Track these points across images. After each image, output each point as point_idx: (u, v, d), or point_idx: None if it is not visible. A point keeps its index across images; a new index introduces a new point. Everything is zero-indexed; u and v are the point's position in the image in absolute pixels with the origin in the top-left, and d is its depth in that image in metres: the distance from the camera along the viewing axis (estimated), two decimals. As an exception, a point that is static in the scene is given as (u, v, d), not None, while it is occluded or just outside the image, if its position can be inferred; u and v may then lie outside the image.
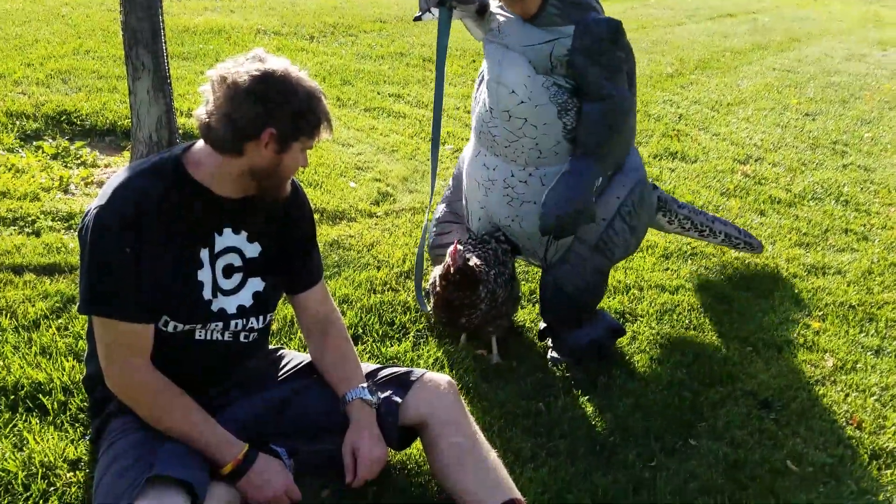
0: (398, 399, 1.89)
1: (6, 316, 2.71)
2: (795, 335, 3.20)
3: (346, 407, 1.89)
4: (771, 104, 6.88)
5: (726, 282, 3.60)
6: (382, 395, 1.90)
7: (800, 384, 2.88)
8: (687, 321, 3.23)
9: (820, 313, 3.40)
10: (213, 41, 6.81)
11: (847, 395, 2.85)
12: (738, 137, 5.81)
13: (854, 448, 2.57)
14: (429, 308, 2.90)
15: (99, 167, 4.08)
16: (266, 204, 1.84)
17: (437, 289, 2.59)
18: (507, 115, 2.53)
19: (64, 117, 4.55)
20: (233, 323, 1.85)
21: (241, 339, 1.90)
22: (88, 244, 1.68)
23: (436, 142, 2.88)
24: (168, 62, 3.72)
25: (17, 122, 4.38)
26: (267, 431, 1.86)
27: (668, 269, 3.65)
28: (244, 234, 1.85)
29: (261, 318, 1.91)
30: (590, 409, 2.62)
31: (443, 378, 1.99)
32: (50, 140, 4.27)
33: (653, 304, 3.31)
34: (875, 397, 2.84)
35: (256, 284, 1.88)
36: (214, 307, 1.81)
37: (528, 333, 3.02)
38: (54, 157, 4.09)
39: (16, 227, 3.34)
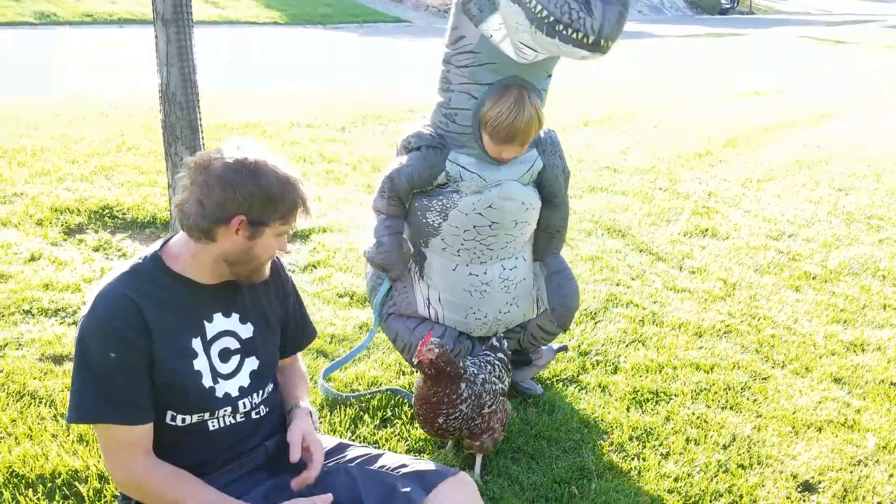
0: (417, 498, 1.82)
1: (46, 405, 2.76)
2: (836, 414, 3.13)
3: (292, 412, 1.98)
4: (802, 180, 6.88)
5: (763, 360, 3.55)
6: (403, 490, 1.87)
7: (842, 465, 2.80)
8: (723, 400, 3.18)
9: (860, 391, 3.33)
10: (248, 134, 7.04)
11: (891, 475, 2.76)
12: (769, 214, 5.81)
13: (902, 531, 2.48)
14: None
15: (138, 258, 4.19)
16: (247, 285, 1.87)
17: (419, 387, 2.52)
18: (513, 223, 2.75)
19: (106, 211, 4.71)
20: (240, 404, 1.87)
21: (253, 416, 1.91)
22: (77, 353, 1.70)
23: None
24: (205, 156, 3.86)
25: (61, 217, 4.54)
26: None
27: (702, 347, 3.62)
28: (236, 316, 1.87)
29: (261, 391, 1.93)
30: (624, 493, 2.57)
31: (469, 484, 1.94)
32: (92, 233, 4.42)
33: (687, 384, 3.27)
34: (922, 477, 2.76)
35: (252, 364, 1.90)
36: (219, 393, 1.82)
37: (559, 413, 2.99)
38: (96, 249, 4.22)
39: (57, 318, 3.43)
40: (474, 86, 2.56)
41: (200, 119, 3.81)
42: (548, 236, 2.92)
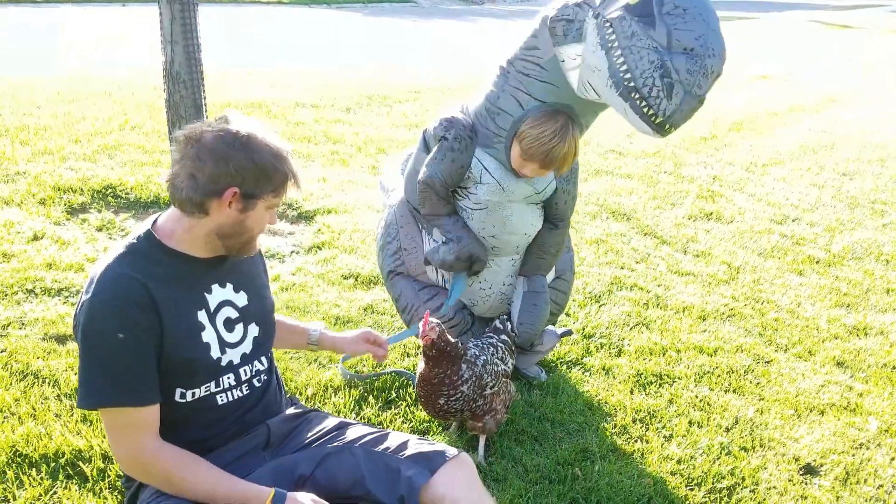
0: (420, 481, 1.84)
1: (49, 384, 2.77)
2: (838, 397, 3.13)
3: (317, 341, 2.24)
4: (807, 164, 6.85)
5: (766, 343, 3.55)
6: (406, 474, 1.88)
7: (844, 448, 2.81)
8: (726, 383, 3.18)
9: (863, 375, 3.33)
10: (253, 114, 7.02)
11: (893, 458, 2.76)
12: (774, 198, 5.79)
13: (904, 514, 2.49)
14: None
15: (142, 238, 4.19)
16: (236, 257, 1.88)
17: (421, 368, 2.53)
18: (515, 248, 2.85)
19: (109, 191, 4.71)
20: (241, 371, 1.88)
21: (256, 384, 1.93)
22: (82, 339, 1.69)
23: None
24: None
25: (65, 197, 4.53)
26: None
27: (705, 330, 3.61)
28: (230, 285, 1.87)
29: (263, 358, 1.95)
30: (627, 474, 2.57)
31: (469, 464, 1.95)
32: (96, 213, 4.41)
33: (690, 367, 3.27)
34: (924, 461, 2.76)
35: (254, 330, 1.91)
36: (223, 362, 1.84)
37: (563, 395, 2.99)
38: (99, 229, 4.22)
39: (60, 298, 3.43)
40: (526, 96, 2.52)
41: (205, 98, 3.80)
42: (539, 253, 2.89)
